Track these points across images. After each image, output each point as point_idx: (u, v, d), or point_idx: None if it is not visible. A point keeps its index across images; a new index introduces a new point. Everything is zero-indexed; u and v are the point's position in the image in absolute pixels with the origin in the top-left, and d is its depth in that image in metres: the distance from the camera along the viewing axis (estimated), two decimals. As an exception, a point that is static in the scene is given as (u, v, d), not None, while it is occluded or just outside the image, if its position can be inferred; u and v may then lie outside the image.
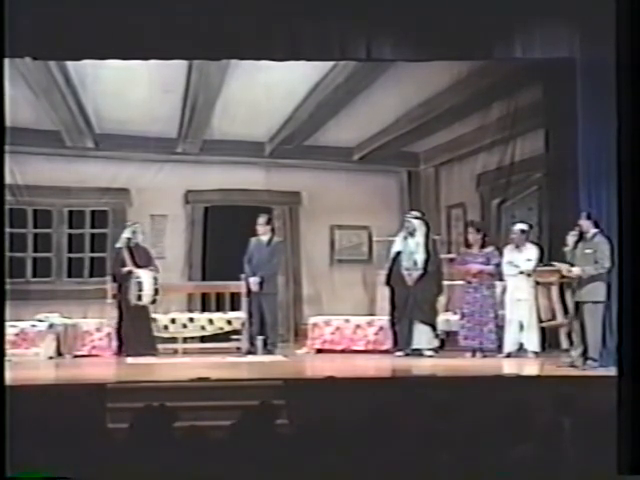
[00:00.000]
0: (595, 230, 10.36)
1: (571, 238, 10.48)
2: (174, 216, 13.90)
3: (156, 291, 11.96)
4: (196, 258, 13.92)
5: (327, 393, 8.75)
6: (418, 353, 11.65)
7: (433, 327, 11.77)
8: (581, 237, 10.44)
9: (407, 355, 11.64)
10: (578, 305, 10.35)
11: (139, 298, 11.88)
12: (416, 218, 11.99)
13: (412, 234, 11.85)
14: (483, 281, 11.65)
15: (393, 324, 11.84)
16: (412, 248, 11.78)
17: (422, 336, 11.71)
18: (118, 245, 12.31)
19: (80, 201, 13.67)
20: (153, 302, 12.01)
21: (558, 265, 10.52)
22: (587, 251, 10.31)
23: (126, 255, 12.11)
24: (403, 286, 11.75)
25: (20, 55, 10.55)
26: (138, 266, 12.03)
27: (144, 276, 11.93)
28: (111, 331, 11.99)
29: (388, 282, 11.96)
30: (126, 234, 12.29)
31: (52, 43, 10.41)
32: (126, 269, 12.02)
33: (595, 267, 10.18)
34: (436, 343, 11.81)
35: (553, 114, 12.54)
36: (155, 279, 11.99)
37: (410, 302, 11.68)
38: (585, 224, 10.43)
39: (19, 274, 12.91)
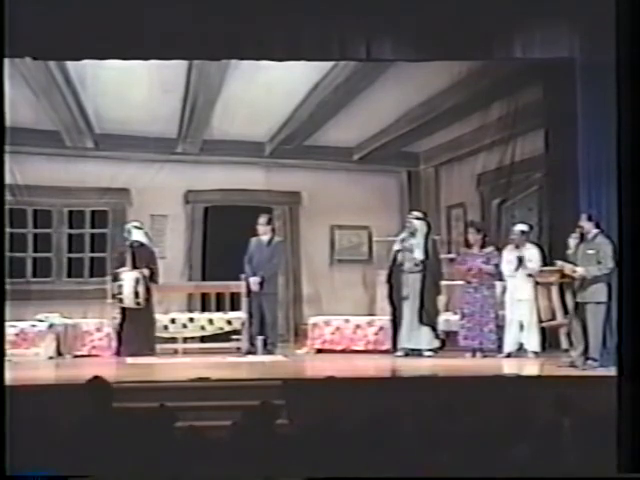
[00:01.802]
0: (596, 230, 10.34)
1: (572, 241, 10.46)
2: (174, 216, 13.90)
3: (137, 294, 11.87)
4: (196, 258, 13.92)
5: (327, 393, 8.73)
6: (418, 353, 11.66)
7: (433, 327, 11.76)
8: (582, 238, 10.42)
9: (407, 355, 11.65)
10: (580, 305, 10.33)
11: (121, 300, 11.90)
12: (417, 219, 11.98)
13: (413, 234, 11.84)
14: (483, 281, 11.65)
15: (394, 324, 11.84)
16: (412, 248, 11.78)
17: (422, 336, 11.71)
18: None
19: (80, 201, 13.67)
20: (138, 304, 11.93)
21: (562, 265, 10.49)
22: (589, 252, 10.28)
23: (127, 255, 12.10)
24: (403, 286, 11.76)
25: (20, 55, 10.55)
26: (135, 267, 12.02)
27: (126, 278, 11.91)
28: (111, 331, 11.99)
29: (389, 281, 11.96)
30: (124, 234, 12.30)
31: (52, 43, 10.40)
32: (117, 270, 12.05)
33: (599, 268, 10.14)
34: (436, 343, 11.79)
35: (553, 114, 12.52)
36: (137, 281, 11.93)
37: (410, 302, 11.68)
38: (586, 225, 10.40)
39: (19, 274, 12.90)
